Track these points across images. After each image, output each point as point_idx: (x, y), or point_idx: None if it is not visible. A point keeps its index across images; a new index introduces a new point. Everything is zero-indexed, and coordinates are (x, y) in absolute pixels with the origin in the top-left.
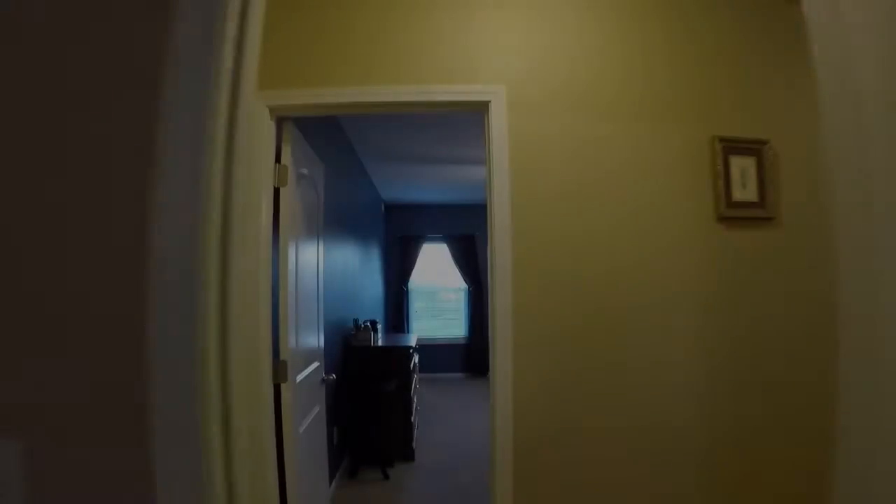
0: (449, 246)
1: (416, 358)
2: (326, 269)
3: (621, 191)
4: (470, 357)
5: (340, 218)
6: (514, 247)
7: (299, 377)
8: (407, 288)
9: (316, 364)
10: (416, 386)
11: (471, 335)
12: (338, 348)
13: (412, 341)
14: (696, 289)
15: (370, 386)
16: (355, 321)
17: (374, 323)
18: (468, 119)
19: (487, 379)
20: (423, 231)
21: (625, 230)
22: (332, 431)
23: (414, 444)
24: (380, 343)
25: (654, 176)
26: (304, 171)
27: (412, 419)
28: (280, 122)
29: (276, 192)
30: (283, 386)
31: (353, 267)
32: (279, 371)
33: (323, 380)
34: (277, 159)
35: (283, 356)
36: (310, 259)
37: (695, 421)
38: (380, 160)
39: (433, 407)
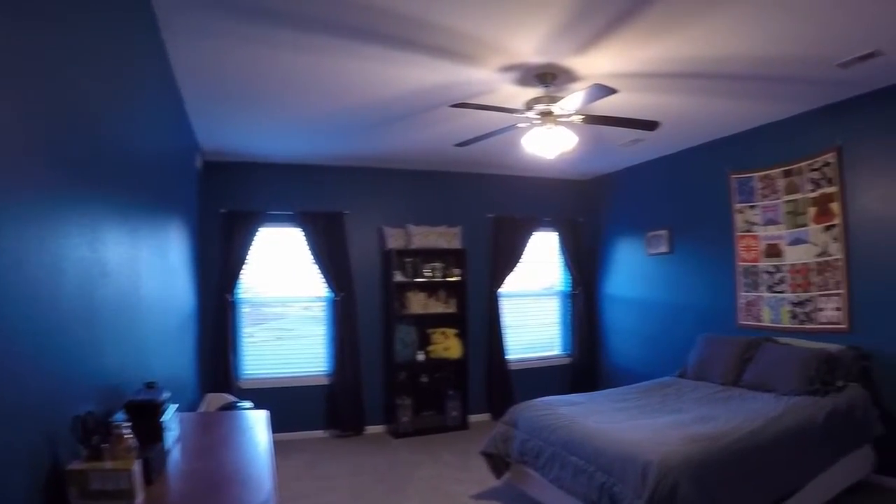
0: (305, 229)
1: None
2: None
3: None
4: (336, 404)
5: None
6: None
7: None
8: (234, 299)
9: None
10: None
11: (337, 369)
12: None
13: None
14: None
15: None
16: (81, 424)
17: (154, 406)
18: None
19: (366, 438)
20: (261, 206)
21: None
22: None
23: None
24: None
25: None
26: None
27: None
28: None
29: None
30: None
31: (101, 267)
32: None
33: None
34: None
35: None
36: None
37: None
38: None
39: None
